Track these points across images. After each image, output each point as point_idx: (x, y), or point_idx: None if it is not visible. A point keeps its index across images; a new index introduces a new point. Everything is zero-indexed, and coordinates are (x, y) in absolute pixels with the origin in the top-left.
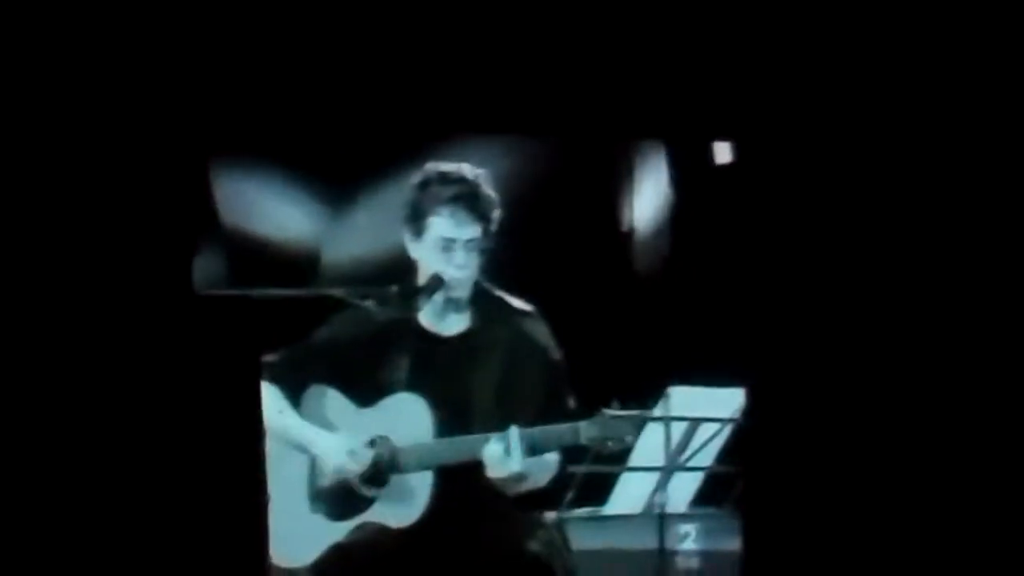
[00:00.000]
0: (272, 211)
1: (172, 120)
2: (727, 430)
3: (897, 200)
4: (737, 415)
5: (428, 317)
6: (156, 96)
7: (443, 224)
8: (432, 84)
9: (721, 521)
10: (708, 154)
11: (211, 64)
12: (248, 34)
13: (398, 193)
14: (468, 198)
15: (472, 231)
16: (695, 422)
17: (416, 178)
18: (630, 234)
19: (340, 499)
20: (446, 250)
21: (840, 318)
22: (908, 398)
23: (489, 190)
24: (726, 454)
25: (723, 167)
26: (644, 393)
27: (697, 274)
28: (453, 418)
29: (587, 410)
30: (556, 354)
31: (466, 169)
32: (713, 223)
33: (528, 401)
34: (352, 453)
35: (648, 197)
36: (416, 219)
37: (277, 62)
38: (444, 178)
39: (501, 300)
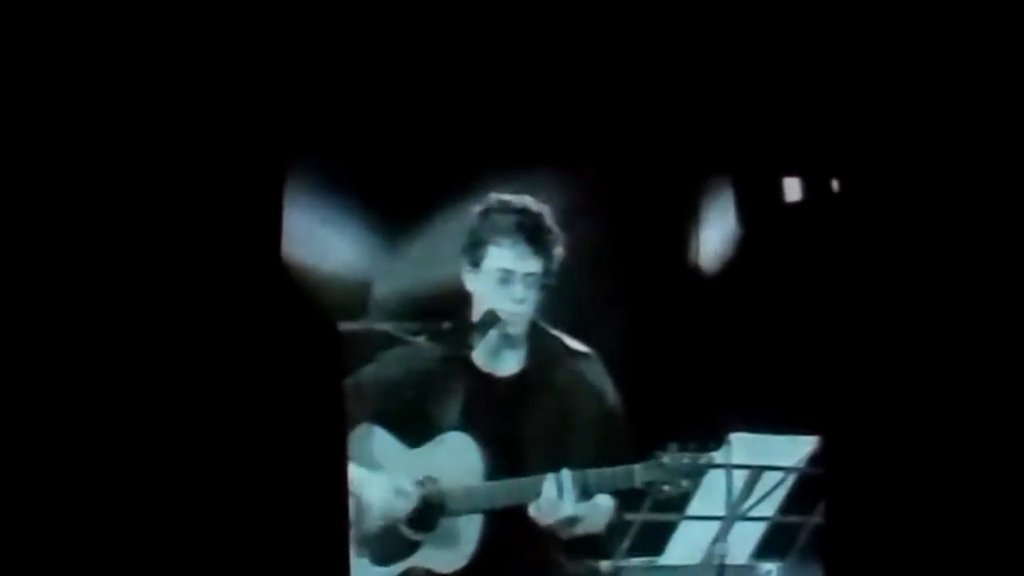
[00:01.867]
0: (323, 242)
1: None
2: (791, 479)
3: (972, 240)
4: (802, 464)
5: (482, 355)
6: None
7: (503, 255)
8: (495, 114)
9: (784, 573)
10: (777, 190)
11: (277, 91)
12: (310, 65)
13: (455, 225)
14: (530, 229)
15: (532, 265)
16: (758, 470)
17: (478, 206)
18: (695, 272)
19: (386, 543)
20: (504, 282)
21: (913, 365)
22: (985, 446)
23: (552, 224)
24: (790, 503)
25: (792, 204)
26: (705, 438)
27: (763, 315)
28: (504, 460)
29: (644, 454)
30: (612, 398)
31: (530, 201)
32: (781, 261)
33: (582, 444)
34: (399, 494)
35: (715, 234)
36: (475, 248)
37: (336, 91)
38: (506, 207)
39: (557, 340)
